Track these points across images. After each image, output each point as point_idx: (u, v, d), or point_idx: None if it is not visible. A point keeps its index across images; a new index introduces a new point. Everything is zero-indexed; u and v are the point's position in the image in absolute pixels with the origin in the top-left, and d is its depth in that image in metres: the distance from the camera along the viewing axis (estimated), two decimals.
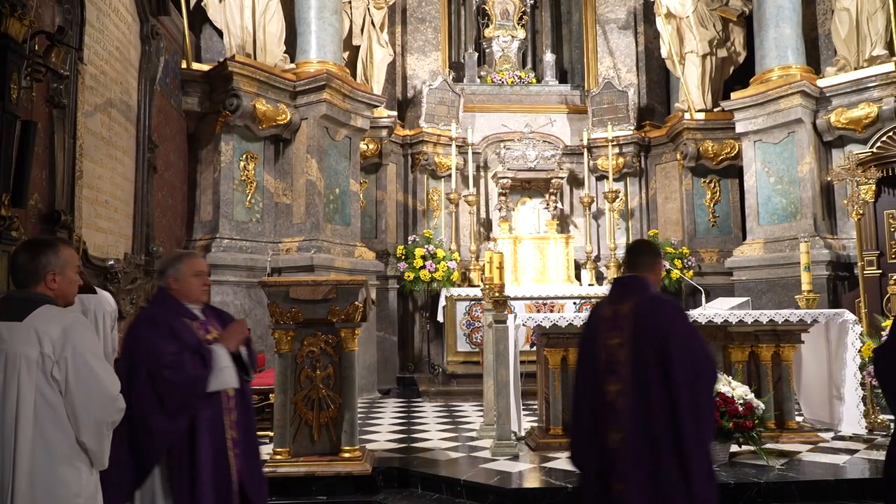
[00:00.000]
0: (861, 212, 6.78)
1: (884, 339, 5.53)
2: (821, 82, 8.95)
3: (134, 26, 6.18)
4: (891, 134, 8.00)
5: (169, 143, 7.46)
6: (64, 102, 4.63)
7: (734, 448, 4.97)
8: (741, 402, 4.81)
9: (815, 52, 9.64)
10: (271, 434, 5.07)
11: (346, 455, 4.69)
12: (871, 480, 4.49)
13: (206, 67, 8.01)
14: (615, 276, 2.92)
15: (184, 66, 7.85)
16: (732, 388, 4.92)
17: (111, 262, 5.35)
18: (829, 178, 8.44)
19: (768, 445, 5.21)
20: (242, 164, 8.18)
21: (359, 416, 6.32)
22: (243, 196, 8.16)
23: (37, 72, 4.04)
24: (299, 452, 4.71)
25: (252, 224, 8.21)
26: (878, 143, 8.04)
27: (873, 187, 7.87)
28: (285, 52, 8.53)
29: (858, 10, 8.79)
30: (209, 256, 7.55)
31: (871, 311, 6.70)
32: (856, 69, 8.80)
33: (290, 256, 8.07)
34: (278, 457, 4.67)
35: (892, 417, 5.87)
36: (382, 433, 6.27)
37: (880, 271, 7.91)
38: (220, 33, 8.38)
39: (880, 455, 5.04)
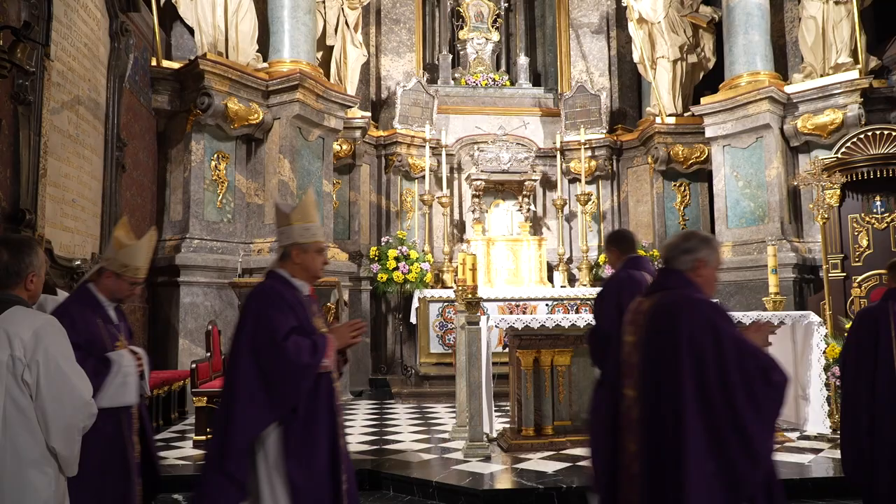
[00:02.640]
0: (826, 216, 6.91)
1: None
2: (788, 88, 9.13)
3: (103, 22, 6.08)
4: (855, 140, 8.18)
5: (138, 142, 7.35)
6: (29, 99, 4.54)
7: None
8: None
9: (782, 58, 9.84)
10: None
11: None
12: (836, 479, 4.58)
13: (176, 65, 7.91)
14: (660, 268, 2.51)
15: (154, 63, 7.75)
16: None
17: (77, 263, 5.26)
18: (795, 183, 8.60)
19: None
20: (214, 163, 8.09)
21: None
22: (214, 196, 8.07)
23: (2, 67, 3.96)
24: None
25: (223, 224, 8.13)
26: (843, 149, 8.20)
27: (838, 192, 8.05)
28: (258, 51, 8.46)
29: (825, 18, 8.98)
30: (178, 257, 7.46)
31: (836, 313, 6.84)
32: (822, 76, 8.99)
33: (261, 257, 8.00)
34: None
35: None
36: (354, 435, 6.24)
37: (844, 274, 8.09)
38: (191, 31, 8.28)
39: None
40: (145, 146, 7.66)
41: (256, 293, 2.83)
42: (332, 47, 9.78)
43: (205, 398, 5.78)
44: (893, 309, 2.92)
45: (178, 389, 7.14)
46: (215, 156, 8.11)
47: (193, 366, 5.94)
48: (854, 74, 8.67)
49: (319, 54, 9.39)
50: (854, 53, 8.83)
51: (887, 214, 8.01)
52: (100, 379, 2.85)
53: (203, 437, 5.70)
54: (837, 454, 5.18)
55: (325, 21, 9.62)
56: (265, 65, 8.42)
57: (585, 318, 5.67)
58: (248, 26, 8.34)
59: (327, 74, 9.47)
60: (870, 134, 8.10)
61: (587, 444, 3.34)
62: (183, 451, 5.53)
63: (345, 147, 9.80)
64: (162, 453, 5.44)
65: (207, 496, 2.67)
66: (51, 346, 2.19)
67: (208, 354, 6.60)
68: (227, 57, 8.11)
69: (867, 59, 8.84)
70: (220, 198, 8.12)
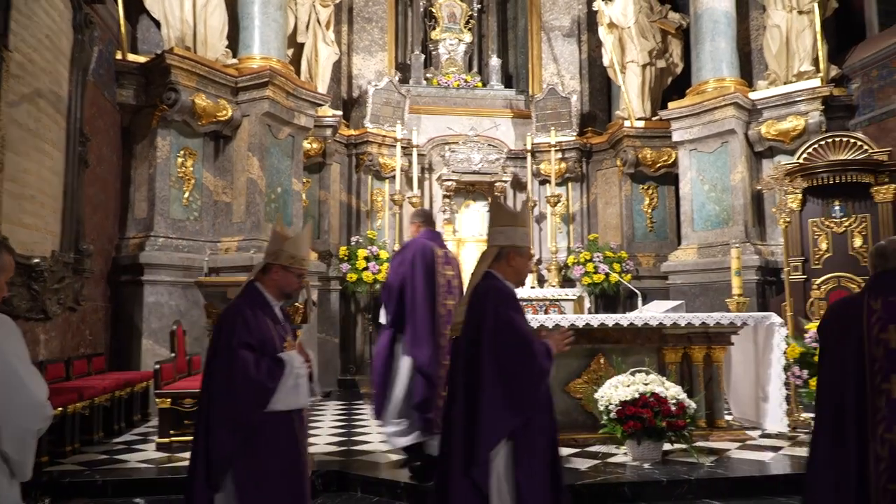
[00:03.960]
0: (788, 220, 7.07)
1: (807, 339, 5.79)
2: (753, 95, 9.31)
3: (66, 14, 5.95)
4: (816, 146, 8.36)
5: (101, 137, 7.21)
6: None
7: (667, 446, 5.10)
8: (674, 401, 4.94)
9: (748, 65, 10.02)
10: None
11: None
12: (794, 476, 4.67)
13: (142, 59, 7.78)
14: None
15: (119, 57, 7.61)
16: (666, 388, 5.05)
17: (36, 260, 5.14)
18: (759, 187, 8.77)
19: (699, 443, 5.38)
20: (180, 160, 7.97)
21: None
22: (180, 193, 7.95)
23: None
24: None
25: (189, 222, 8.01)
26: (805, 155, 8.38)
27: (800, 197, 8.24)
28: (227, 47, 8.35)
29: (788, 27, 9.17)
30: (143, 255, 7.33)
31: (797, 314, 7.00)
32: (785, 83, 9.18)
33: (228, 256, 7.90)
34: None
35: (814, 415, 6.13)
36: (322, 436, 6.19)
37: (805, 276, 8.27)
38: (157, 24, 8.14)
39: (803, 451, 5.26)
40: (109, 141, 7.52)
41: (491, 292, 2.80)
42: (303, 45, 9.70)
43: (169, 400, 5.69)
44: (873, 304, 2.78)
45: (142, 391, 7.02)
46: (182, 152, 7.99)
47: (157, 367, 5.84)
48: (816, 83, 8.87)
49: (290, 51, 9.31)
50: (816, 62, 9.03)
51: (846, 219, 8.20)
52: (274, 381, 2.81)
53: (167, 440, 5.62)
54: (796, 451, 5.30)
55: (296, 18, 9.54)
56: (234, 61, 8.31)
57: (554, 319, 5.70)
58: (217, 21, 8.23)
59: (298, 72, 9.39)
60: (830, 141, 8.29)
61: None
62: (146, 455, 5.44)
63: (315, 146, 9.73)
64: (124, 456, 5.36)
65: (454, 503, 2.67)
66: (4, 346, 2.10)
67: (172, 355, 6.50)
68: (195, 52, 7.99)
69: (828, 68, 9.05)
70: (186, 195, 8.00)
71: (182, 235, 7.85)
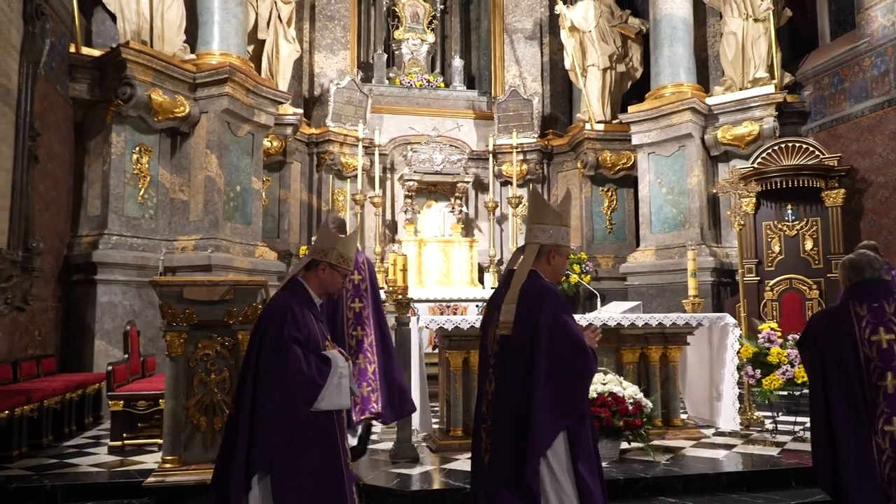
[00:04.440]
0: (742, 223, 7.22)
1: (760, 340, 5.93)
2: (709, 100, 9.50)
3: (15, 4, 5.74)
4: (770, 151, 8.58)
5: (53, 132, 7.01)
6: None
7: (624, 445, 5.17)
8: (631, 401, 5.01)
9: (705, 71, 10.23)
10: (160, 442, 4.85)
11: None
12: (746, 473, 4.79)
13: (97, 53, 7.58)
14: None
15: (72, 50, 7.40)
16: (623, 387, 5.11)
17: None
18: (714, 191, 8.95)
19: (655, 442, 5.45)
20: (135, 156, 7.79)
21: None
22: (135, 191, 7.78)
23: None
24: (190, 460, 4.51)
25: (145, 220, 7.84)
26: (759, 160, 8.61)
27: (754, 200, 8.45)
28: (185, 42, 8.19)
29: (744, 35, 9.39)
30: (95, 254, 7.15)
31: (750, 314, 7.16)
32: (741, 89, 9.39)
33: (185, 255, 7.75)
34: (167, 465, 4.46)
35: (768, 414, 6.29)
36: None
37: (759, 278, 8.48)
38: (113, 17, 7.94)
39: (755, 449, 5.40)
40: (61, 137, 7.31)
41: (544, 293, 2.75)
42: (263, 41, 9.57)
43: (122, 402, 5.56)
44: (859, 311, 3.07)
45: (94, 393, 6.84)
46: (137, 149, 7.81)
47: (110, 368, 5.70)
48: (770, 89, 9.09)
49: (250, 48, 9.18)
50: (770, 69, 9.26)
51: (798, 222, 8.44)
52: (323, 378, 2.77)
53: (119, 443, 5.49)
54: (749, 449, 5.42)
55: (256, 14, 9.41)
56: (193, 56, 8.16)
57: None
58: (174, 15, 8.07)
59: (258, 69, 9.27)
60: (783, 146, 8.53)
61: None
62: (98, 458, 5.30)
63: (275, 144, 9.62)
64: (74, 460, 5.21)
65: None
66: None
67: (126, 356, 6.35)
68: (151, 46, 7.82)
69: (782, 75, 9.29)
70: (141, 193, 7.83)
71: (137, 234, 7.67)
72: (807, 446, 5.36)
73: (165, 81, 7.73)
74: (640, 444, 5.11)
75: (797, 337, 5.92)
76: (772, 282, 8.41)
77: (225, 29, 8.27)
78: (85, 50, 7.55)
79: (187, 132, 8.12)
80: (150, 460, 5.07)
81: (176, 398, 4.52)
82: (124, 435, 5.55)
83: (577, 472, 2.63)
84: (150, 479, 4.38)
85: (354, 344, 5.02)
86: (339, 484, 2.85)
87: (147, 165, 7.89)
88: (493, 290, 3.02)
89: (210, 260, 7.57)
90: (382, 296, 7.55)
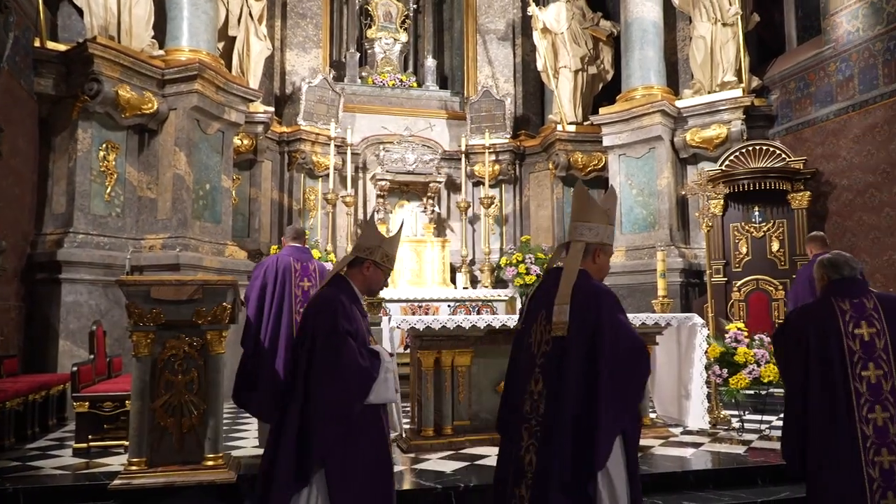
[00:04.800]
0: (710, 224, 7.33)
1: (726, 340, 6.02)
2: (679, 103, 9.62)
3: None
4: (737, 154, 8.72)
5: (17, 128, 6.85)
6: None
7: None
8: None
9: (674, 74, 10.36)
10: (127, 444, 4.77)
11: (210, 463, 4.48)
12: (714, 471, 4.86)
13: (63, 48, 7.43)
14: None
15: (37, 44, 7.25)
16: None
17: None
18: (683, 193, 9.08)
19: None
20: (102, 153, 7.65)
21: (225, 421, 6.07)
22: (102, 188, 7.64)
23: None
24: (158, 462, 4.45)
25: (111, 218, 7.70)
26: (727, 162, 8.74)
27: (721, 202, 8.59)
28: (154, 38, 8.06)
29: (713, 39, 9.53)
30: (61, 252, 7.01)
31: (718, 314, 7.28)
32: (709, 93, 9.53)
33: (153, 254, 7.64)
34: (134, 467, 4.38)
35: (735, 413, 6.39)
36: (250, 439, 6.06)
37: (726, 279, 8.61)
38: (80, 12, 7.80)
39: (722, 447, 5.48)
40: (25, 133, 7.15)
41: (600, 294, 2.71)
42: (234, 38, 9.48)
43: (87, 403, 5.45)
44: (842, 305, 3.23)
45: (58, 394, 6.70)
46: (104, 146, 7.67)
47: (75, 369, 5.59)
48: (738, 93, 9.24)
49: (221, 45, 9.08)
50: (739, 73, 9.41)
51: (764, 224, 8.59)
52: (376, 370, 2.77)
53: (84, 445, 5.39)
54: (716, 447, 5.50)
55: (227, 10, 9.31)
56: (161, 52, 8.04)
57: (486, 320, 5.75)
58: (143, 10, 7.94)
59: (229, 66, 9.17)
60: (751, 149, 8.68)
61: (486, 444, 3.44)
62: (62, 461, 5.19)
63: (246, 142, 9.52)
64: (38, 463, 5.11)
65: None
66: None
67: (91, 356, 6.23)
68: (119, 41, 7.69)
69: (750, 79, 9.44)
70: (108, 190, 7.69)
71: (103, 232, 7.54)
72: (772, 444, 5.47)
73: (133, 77, 7.61)
74: None
75: (764, 337, 6.05)
76: (739, 282, 8.55)
77: (194, 25, 8.16)
78: (50, 44, 7.40)
79: (155, 129, 8.00)
80: (117, 462, 4.99)
81: (143, 399, 4.45)
82: (90, 437, 5.45)
83: (630, 474, 2.65)
84: (117, 482, 4.30)
85: None
86: (389, 478, 2.88)
87: (114, 163, 7.75)
88: (536, 288, 2.97)
89: (178, 259, 7.47)
90: None
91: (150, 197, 7.98)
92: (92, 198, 7.50)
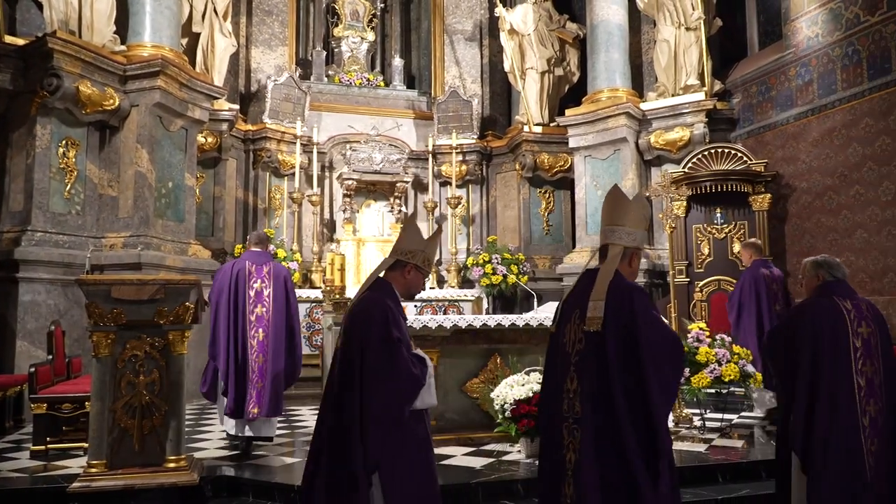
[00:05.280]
0: (673, 225, 7.44)
1: (688, 340, 6.12)
2: (643, 105, 9.75)
3: None
4: (700, 156, 8.87)
5: None
6: None
7: None
8: None
9: (639, 77, 10.49)
10: (86, 446, 4.68)
11: (171, 465, 4.43)
12: (676, 469, 4.92)
13: (21, 42, 7.25)
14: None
15: None
16: None
17: None
18: (647, 194, 9.19)
19: None
20: (62, 150, 7.49)
21: (188, 423, 6.00)
22: (61, 186, 7.48)
23: None
24: (117, 464, 4.38)
25: (71, 217, 7.54)
26: (690, 164, 8.89)
27: (684, 204, 8.72)
28: (115, 33, 7.92)
29: (677, 42, 9.68)
30: (18, 251, 6.84)
31: (681, 314, 7.39)
32: (673, 96, 9.68)
33: (114, 253, 7.50)
34: (93, 470, 4.31)
35: (696, 411, 6.50)
36: (213, 440, 5.99)
37: (689, 279, 8.76)
38: (39, 6, 7.62)
39: (684, 445, 5.56)
40: None
41: (635, 292, 2.73)
42: (198, 35, 9.35)
43: (45, 405, 5.34)
44: (845, 305, 3.45)
45: (14, 396, 6.54)
46: (64, 142, 7.51)
47: (32, 369, 5.47)
48: (701, 96, 9.40)
49: (185, 41, 8.95)
50: (701, 77, 9.57)
51: (726, 225, 8.75)
52: (424, 376, 2.78)
53: (42, 447, 5.27)
54: (679, 445, 5.58)
55: (191, 6, 9.18)
56: (123, 48, 7.90)
57: (452, 319, 5.76)
58: (104, 5, 7.79)
59: (193, 63, 9.04)
60: (713, 151, 8.83)
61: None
62: (19, 463, 5.07)
63: (210, 140, 9.40)
64: None
65: None
66: None
67: (50, 357, 6.10)
68: (80, 36, 7.53)
69: (712, 83, 9.61)
70: (68, 188, 7.53)
71: (63, 230, 7.38)
72: (733, 442, 5.58)
73: (94, 73, 7.46)
74: None
75: (725, 337, 6.17)
76: (701, 283, 8.70)
77: (157, 20, 8.03)
78: (8, 38, 7.22)
79: (117, 126, 7.85)
80: (76, 465, 4.89)
81: (102, 400, 4.38)
82: (48, 439, 5.35)
83: (670, 462, 2.70)
84: (76, 485, 4.22)
85: (256, 345, 5.47)
86: (435, 480, 2.90)
87: (74, 159, 7.59)
88: (570, 291, 2.97)
89: (140, 258, 7.34)
90: (319, 295, 7.70)
91: (111, 195, 7.83)
92: (51, 195, 7.34)
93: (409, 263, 3.00)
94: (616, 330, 2.70)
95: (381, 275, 3.03)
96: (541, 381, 5.17)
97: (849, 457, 3.28)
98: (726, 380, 5.89)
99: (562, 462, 2.76)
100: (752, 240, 7.02)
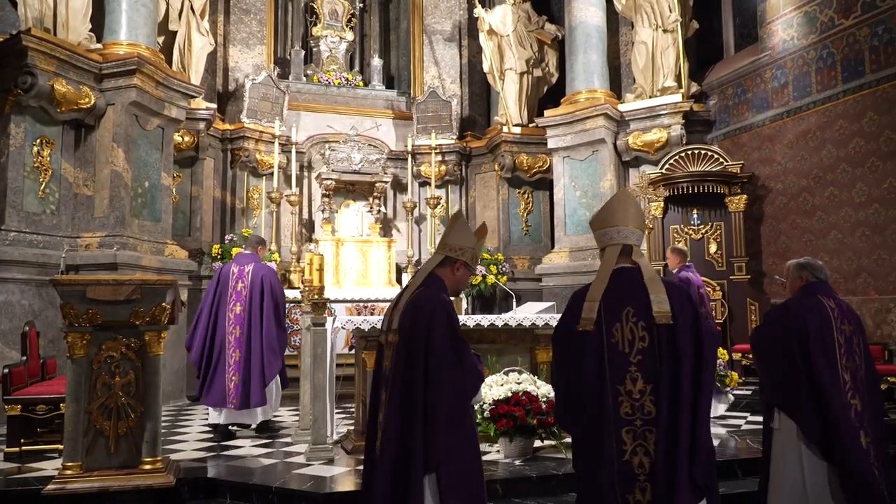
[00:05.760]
0: (651, 226, 7.53)
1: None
2: (622, 107, 9.83)
3: None
4: (677, 158, 8.96)
5: None
6: None
7: (537, 443, 5.28)
8: (545, 399, 5.12)
9: (617, 78, 10.58)
10: (61, 447, 4.62)
11: (148, 467, 4.38)
12: None
13: None
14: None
15: None
16: (538, 386, 5.23)
17: None
18: None
19: (567, 439, 5.59)
20: (36, 149, 7.38)
21: (164, 424, 5.95)
22: (36, 185, 7.37)
23: None
24: (93, 466, 4.33)
25: (46, 216, 7.44)
26: (667, 165, 8.98)
27: (662, 204, 8.81)
28: (91, 31, 7.82)
29: (654, 45, 9.77)
30: None
31: None
32: (651, 97, 9.77)
33: (90, 253, 7.41)
34: (68, 472, 4.25)
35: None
36: (190, 442, 5.94)
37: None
38: (13, 3, 7.51)
39: None
40: None
41: (688, 291, 2.79)
42: (175, 33, 9.25)
43: (19, 406, 5.27)
44: (829, 304, 3.62)
45: None
46: (38, 141, 7.40)
47: (6, 370, 5.39)
48: (678, 98, 9.50)
49: (161, 39, 8.86)
50: (679, 79, 9.67)
51: (703, 226, 8.86)
52: (482, 372, 2.84)
53: (16, 450, 5.20)
54: None
55: (167, 4, 9.08)
56: (99, 46, 7.80)
57: None
58: (80, 2, 7.68)
59: (169, 61, 8.95)
60: (690, 153, 8.93)
61: None
62: None
63: (187, 139, 9.31)
64: None
65: None
66: None
67: (24, 358, 6.01)
68: (55, 34, 7.43)
69: (689, 85, 9.72)
70: (42, 187, 7.42)
71: (37, 230, 7.28)
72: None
73: (69, 71, 7.37)
74: (553, 442, 5.23)
75: None
76: None
77: (133, 18, 7.95)
78: None
79: (93, 125, 7.76)
80: (50, 467, 4.83)
81: (78, 402, 4.33)
82: (22, 441, 5.28)
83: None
84: (51, 487, 4.17)
85: (233, 340, 6.07)
86: (482, 474, 2.93)
87: (49, 158, 7.49)
88: (601, 290, 2.77)
89: (116, 258, 7.26)
90: (298, 296, 7.83)
91: (86, 194, 7.74)
92: (25, 194, 7.23)
93: (458, 260, 2.98)
94: (685, 324, 2.67)
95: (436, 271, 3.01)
96: (518, 380, 5.22)
97: (853, 446, 3.41)
98: None
99: (629, 470, 2.64)
100: (679, 245, 7.14)
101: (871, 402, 3.52)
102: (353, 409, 6.14)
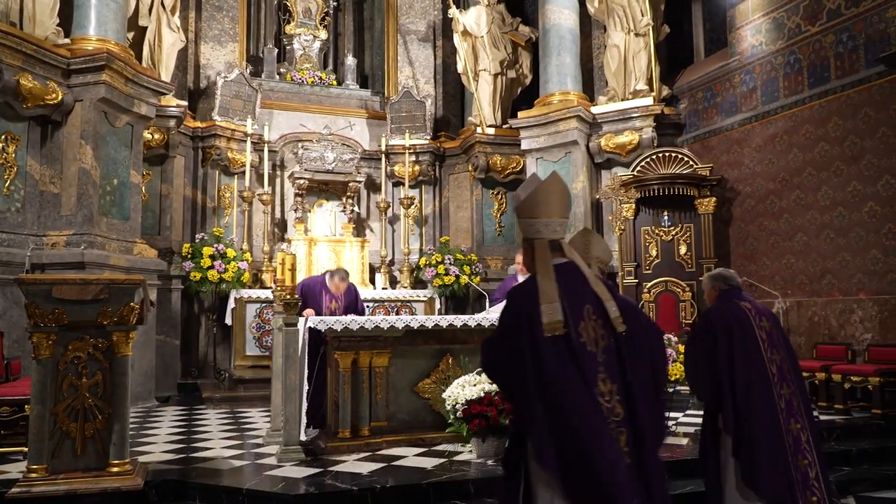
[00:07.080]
0: (623, 228, 7.60)
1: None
2: (594, 109, 9.92)
3: None
4: (648, 160, 9.06)
5: None
6: None
7: None
8: None
9: (590, 81, 10.67)
10: (26, 450, 4.53)
11: (115, 469, 4.32)
12: None
13: None
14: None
15: None
16: None
17: None
18: (598, 197, 9.36)
19: None
20: (1, 146, 7.22)
21: (132, 426, 5.86)
22: (0, 182, 7.21)
23: None
24: (59, 469, 4.25)
25: (10, 214, 7.28)
26: (638, 168, 9.07)
27: (633, 206, 8.90)
28: (59, 26, 7.67)
29: (626, 48, 9.87)
30: None
31: None
32: (623, 100, 9.87)
33: (56, 251, 7.27)
34: (33, 475, 4.17)
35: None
36: (159, 444, 5.86)
37: (637, 280, 8.94)
38: None
39: None
40: None
41: (613, 286, 2.90)
42: (145, 29, 9.12)
43: None
44: (745, 305, 3.91)
45: None
46: (3, 137, 7.24)
47: None
48: (649, 101, 9.61)
49: (131, 35, 8.73)
50: (650, 82, 9.78)
51: (673, 228, 8.96)
52: None
53: None
54: None
55: None
56: (67, 41, 7.66)
57: (404, 320, 5.76)
58: None
59: (139, 57, 8.82)
60: (661, 155, 9.03)
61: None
62: None
63: (157, 136, 9.18)
64: None
65: None
66: None
67: None
68: (21, 28, 7.28)
69: (660, 88, 9.84)
70: (7, 184, 7.26)
71: (1, 228, 7.12)
72: (678, 440, 5.71)
73: (36, 66, 7.22)
74: None
75: (672, 337, 6.32)
76: (649, 284, 8.88)
77: (102, 13, 7.82)
78: None
79: (60, 121, 7.61)
80: (15, 470, 4.73)
81: (43, 403, 4.24)
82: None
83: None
84: (15, 490, 4.09)
85: None
86: None
87: (14, 155, 7.33)
88: (553, 289, 2.56)
89: (83, 257, 7.14)
90: (269, 295, 7.85)
91: (53, 192, 7.59)
92: None
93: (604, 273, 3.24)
94: (638, 325, 2.68)
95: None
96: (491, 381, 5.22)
97: (770, 434, 3.64)
98: (672, 379, 6.03)
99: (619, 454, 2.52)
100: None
101: (797, 388, 3.79)
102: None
